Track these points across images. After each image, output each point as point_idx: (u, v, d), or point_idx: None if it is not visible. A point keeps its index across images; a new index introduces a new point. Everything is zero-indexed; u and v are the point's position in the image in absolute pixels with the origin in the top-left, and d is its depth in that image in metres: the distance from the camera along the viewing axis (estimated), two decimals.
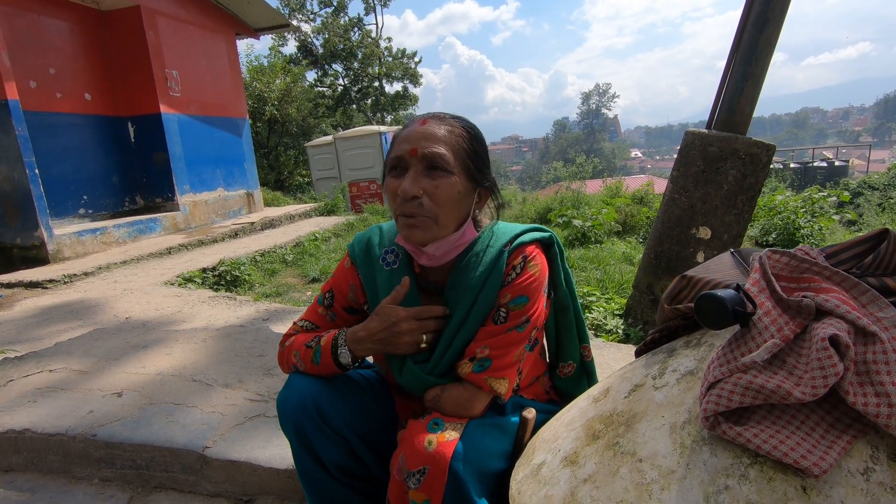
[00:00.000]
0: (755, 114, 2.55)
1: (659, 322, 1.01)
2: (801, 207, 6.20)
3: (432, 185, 0.99)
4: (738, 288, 0.73)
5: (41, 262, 4.83)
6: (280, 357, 1.17)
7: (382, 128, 11.88)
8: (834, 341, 0.63)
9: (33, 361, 2.32)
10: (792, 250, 0.76)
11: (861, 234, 0.72)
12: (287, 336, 1.19)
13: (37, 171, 4.78)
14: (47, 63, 5.60)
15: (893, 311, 0.67)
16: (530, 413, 1.09)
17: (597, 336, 2.59)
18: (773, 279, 0.72)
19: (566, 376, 1.27)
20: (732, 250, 1.02)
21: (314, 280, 4.54)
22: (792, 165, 16.30)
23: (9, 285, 4.22)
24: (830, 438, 0.64)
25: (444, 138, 1.01)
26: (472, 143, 1.06)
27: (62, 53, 5.77)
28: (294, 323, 1.22)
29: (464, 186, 1.03)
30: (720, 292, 0.71)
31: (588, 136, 79.25)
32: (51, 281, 4.20)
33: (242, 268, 4.60)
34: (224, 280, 4.45)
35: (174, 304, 3.51)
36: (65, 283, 4.25)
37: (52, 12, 5.68)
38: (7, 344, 2.80)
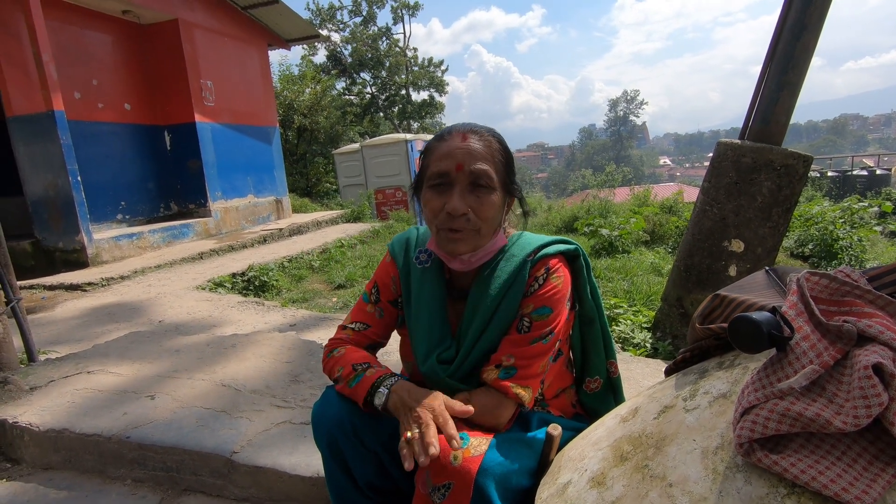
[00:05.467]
0: (791, 121, 2.48)
1: (690, 341, 0.99)
2: (840, 218, 5.97)
3: (478, 202, 1.03)
4: (774, 310, 0.71)
5: (81, 265, 5.03)
6: (325, 363, 1.17)
7: (409, 136, 11.98)
8: (878, 370, 0.61)
9: (72, 363, 2.41)
10: (832, 272, 0.74)
11: None
12: (337, 341, 1.19)
13: (79, 178, 5.00)
14: (90, 75, 5.86)
15: None
16: (556, 430, 1.08)
17: (624, 350, 2.55)
18: (812, 302, 0.70)
19: (592, 392, 1.25)
20: (767, 268, 0.99)
21: (340, 286, 4.59)
22: (830, 174, 15.70)
23: (51, 287, 4.41)
24: (874, 471, 0.62)
25: (485, 155, 1.04)
26: (505, 155, 1.10)
27: (104, 65, 6.04)
28: (342, 327, 1.22)
29: (501, 199, 1.07)
30: (755, 315, 0.69)
31: (615, 144, 78.30)
32: (90, 284, 4.37)
33: (270, 273, 4.70)
34: (253, 285, 4.55)
35: (205, 309, 3.60)
36: (102, 286, 4.41)
37: (96, 26, 5.95)
38: (48, 345, 2.92)
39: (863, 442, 0.64)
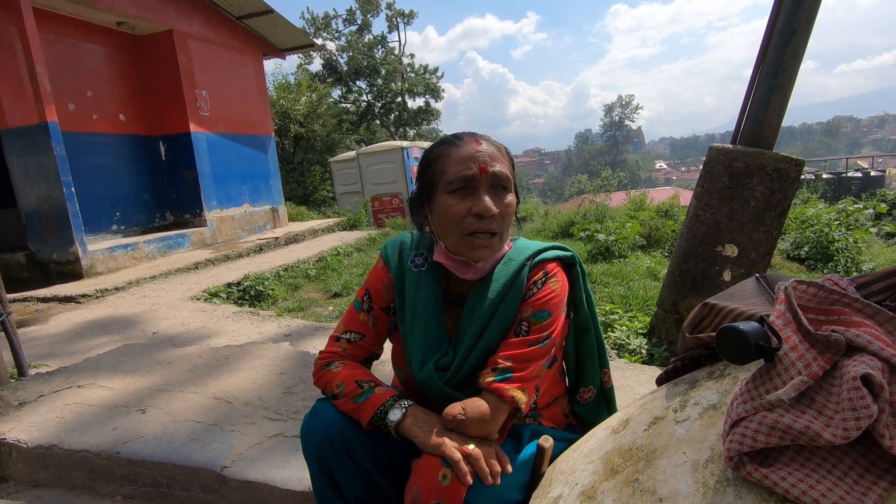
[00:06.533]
0: (785, 123, 2.49)
1: (681, 350, 0.98)
2: (835, 220, 5.99)
3: (502, 203, 1.04)
4: (761, 320, 0.70)
5: (75, 276, 5.00)
6: (319, 376, 1.13)
7: (405, 143, 12.02)
8: (866, 380, 0.60)
9: (63, 377, 2.38)
10: (819, 280, 0.73)
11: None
12: (332, 355, 1.16)
13: (73, 189, 4.98)
14: (85, 86, 5.86)
15: None
16: (547, 442, 1.06)
17: (619, 357, 2.53)
18: (800, 311, 0.69)
19: (586, 402, 1.24)
20: (757, 276, 0.98)
21: (336, 295, 4.57)
22: (824, 176, 15.77)
23: (45, 299, 4.38)
24: (865, 485, 0.60)
25: (501, 157, 1.07)
26: (512, 161, 1.12)
27: (99, 76, 6.04)
28: (335, 339, 1.18)
29: (515, 202, 1.08)
30: (742, 325, 0.68)
31: (611, 148, 78.61)
32: (84, 296, 4.34)
33: (266, 283, 4.68)
34: (248, 295, 4.53)
35: (199, 320, 3.58)
36: (97, 297, 4.39)
37: (91, 38, 5.96)
38: (40, 358, 2.89)
39: (853, 454, 0.63)
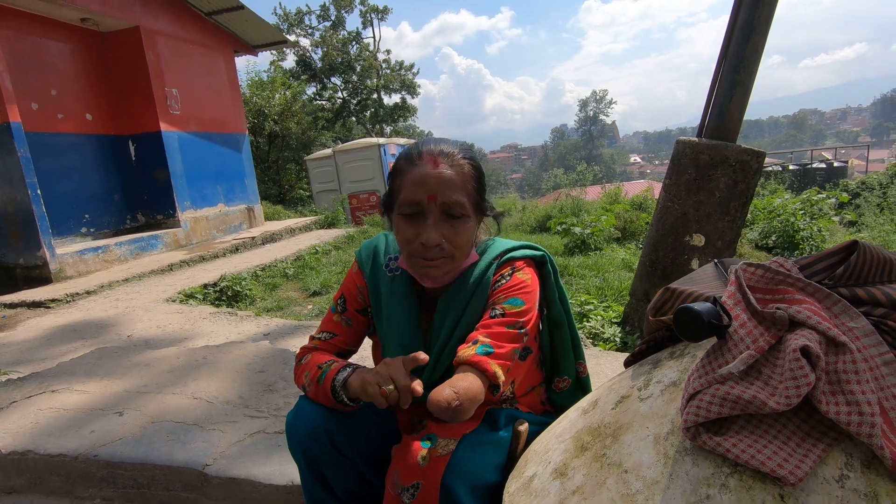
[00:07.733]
0: (753, 117, 2.61)
1: (646, 333, 1.03)
2: (800, 210, 6.21)
3: (452, 231, 1.04)
4: (714, 301, 0.75)
5: (44, 281, 4.86)
6: (295, 372, 1.17)
7: (381, 140, 11.98)
8: (805, 352, 0.65)
9: (35, 382, 2.34)
10: (767, 263, 0.78)
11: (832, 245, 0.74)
12: (305, 350, 1.20)
13: (39, 191, 4.84)
14: (49, 85, 5.68)
15: (864, 321, 0.69)
16: (523, 425, 1.11)
17: (594, 345, 2.60)
18: (749, 291, 0.74)
19: (562, 391, 1.29)
20: (716, 261, 1.04)
21: (315, 293, 4.56)
22: (791, 167, 16.30)
23: (11, 305, 4.25)
24: (806, 447, 0.66)
25: (458, 183, 1.04)
26: (477, 178, 1.10)
27: (63, 75, 5.86)
28: (311, 336, 1.23)
29: (474, 223, 1.09)
30: (696, 305, 0.73)
31: (587, 143, 79.60)
32: (53, 300, 4.23)
33: (243, 283, 4.63)
34: (225, 295, 4.48)
35: (176, 321, 3.53)
36: (67, 302, 4.28)
37: (53, 35, 5.77)
38: (10, 365, 2.82)
39: (796, 420, 0.68)
